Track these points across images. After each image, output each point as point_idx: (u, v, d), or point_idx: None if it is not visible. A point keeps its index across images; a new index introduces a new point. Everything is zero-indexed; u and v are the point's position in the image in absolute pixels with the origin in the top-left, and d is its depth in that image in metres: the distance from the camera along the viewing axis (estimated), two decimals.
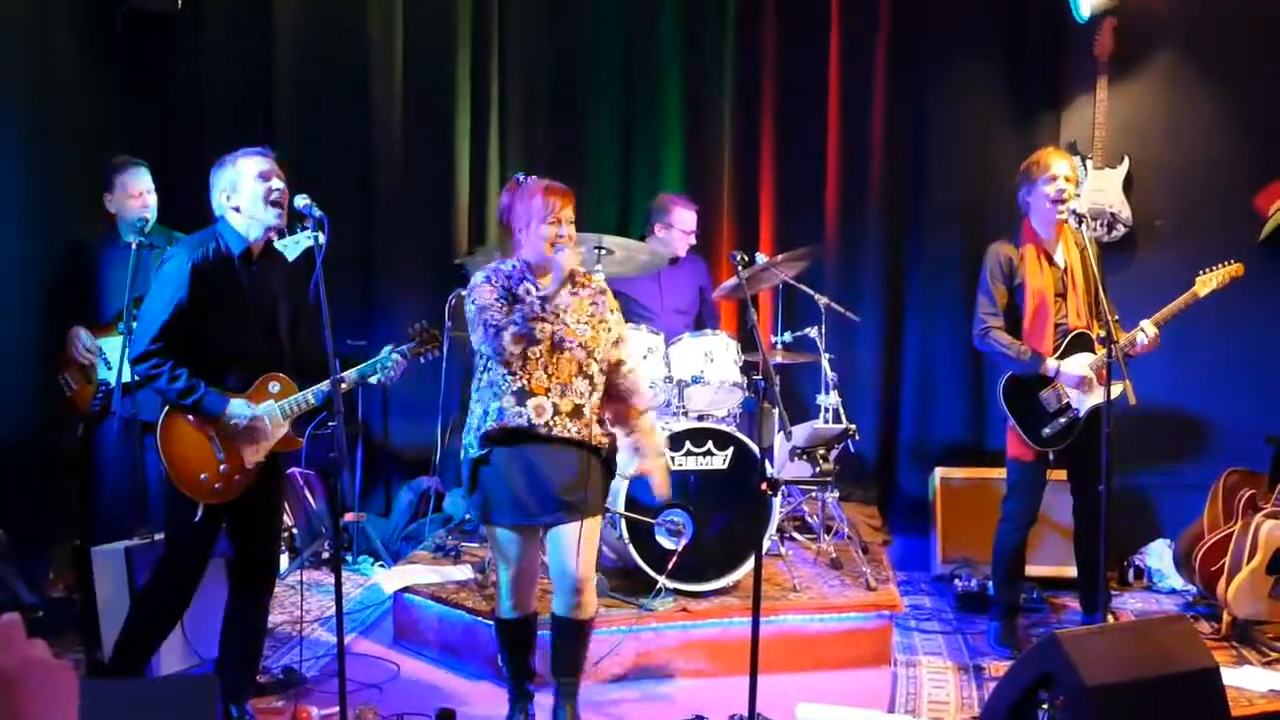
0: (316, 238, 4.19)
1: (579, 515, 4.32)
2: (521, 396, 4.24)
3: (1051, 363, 5.40)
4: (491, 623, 5.20)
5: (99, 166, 5.80)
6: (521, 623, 4.48)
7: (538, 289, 4.33)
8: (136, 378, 4.37)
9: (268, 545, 4.72)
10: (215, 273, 4.31)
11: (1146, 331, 5.32)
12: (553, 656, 4.53)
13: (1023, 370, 5.44)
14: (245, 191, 4.34)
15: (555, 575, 4.39)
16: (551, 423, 4.24)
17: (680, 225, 6.78)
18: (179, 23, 7.11)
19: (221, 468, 4.33)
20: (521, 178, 4.50)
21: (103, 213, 5.73)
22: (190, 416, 4.31)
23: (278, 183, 4.37)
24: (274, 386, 4.46)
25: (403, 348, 4.69)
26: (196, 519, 4.33)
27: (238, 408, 4.33)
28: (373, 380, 4.64)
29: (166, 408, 4.31)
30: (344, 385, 4.45)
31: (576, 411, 4.30)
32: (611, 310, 4.52)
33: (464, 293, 6.65)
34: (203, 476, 4.31)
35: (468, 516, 6.78)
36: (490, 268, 4.42)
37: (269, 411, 4.42)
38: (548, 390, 4.26)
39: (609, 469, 4.48)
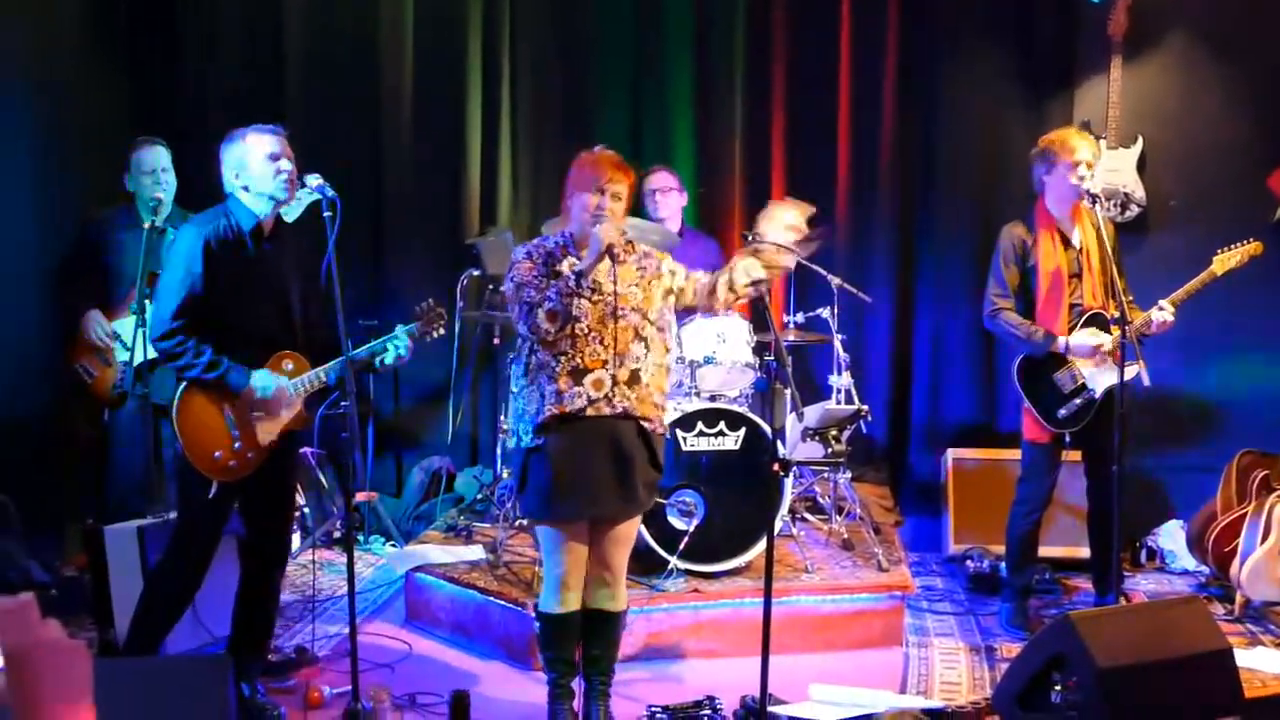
0: (329, 219, 4.18)
1: (632, 511, 4.32)
2: (578, 374, 4.13)
3: (1062, 339, 5.37)
4: (504, 603, 5.23)
5: (107, 152, 5.80)
6: (569, 617, 4.34)
7: (580, 263, 4.19)
8: (160, 355, 4.36)
9: (280, 524, 4.74)
10: (227, 250, 4.30)
11: (1164, 310, 5.29)
12: (585, 651, 4.47)
13: (1034, 350, 5.41)
14: (254, 170, 4.32)
15: (592, 566, 4.35)
16: (611, 393, 4.16)
17: (648, 186, 6.67)
18: (187, 4, 7.10)
19: (236, 445, 4.34)
20: (598, 150, 4.33)
21: (123, 194, 5.73)
22: (206, 393, 4.30)
23: (286, 164, 4.34)
24: (287, 365, 4.46)
25: (411, 326, 4.67)
26: (211, 495, 4.34)
27: (262, 378, 4.33)
28: (386, 359, 4.59)
29: (183, 384, 4.30)
30: (355, 364, 4.45)
31: (634, 378, 4.20)
32: (661, 260, 4.37)
33: (476, 273, 6.73)
34: (217, 454, 4.32)
35: (479, 498, 6.78)
36: (534, 242, 4.32)
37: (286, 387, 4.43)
38: (605, 363, 4.15)
39: (656, 460, 4.34)
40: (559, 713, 4.40)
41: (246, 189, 4.35)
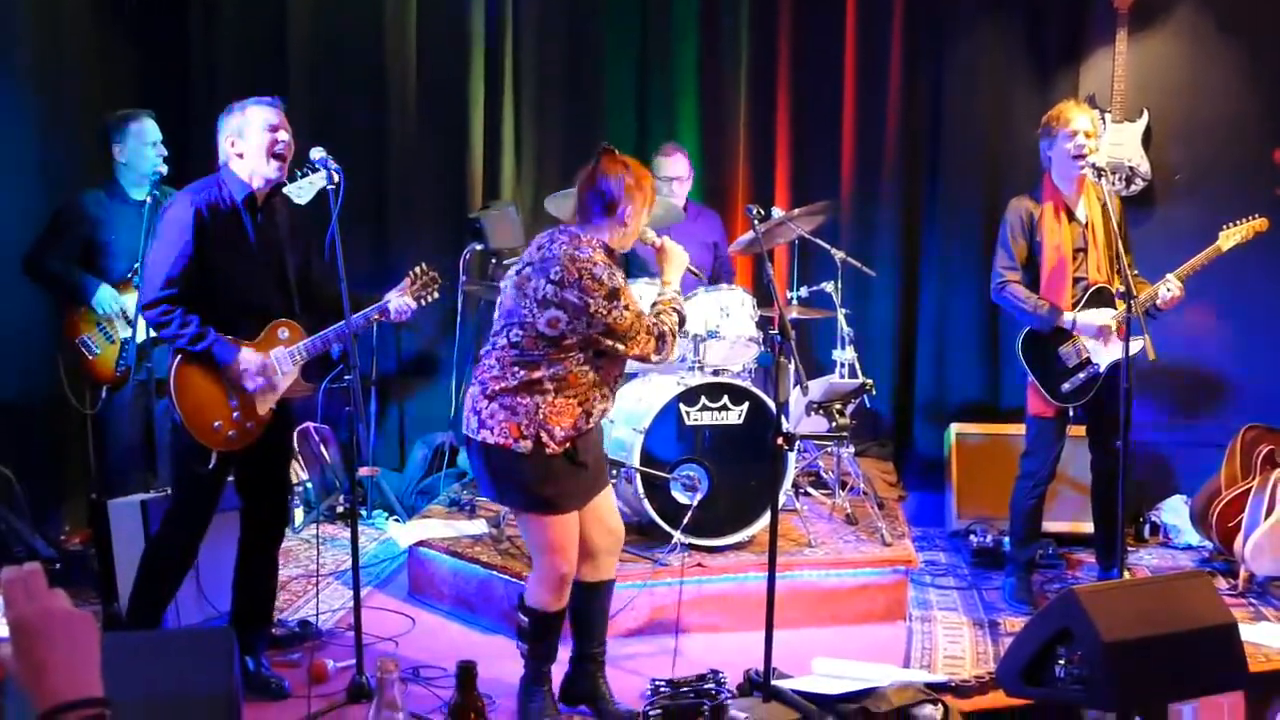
0: (333, 191, 4.18)
1: (613, 476, 4.44)
2: (614, 391, 4.24)
3: (1069, 315, 5.35)
4: (507, 577, 5.22)
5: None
6: (564, 610, 4.27)
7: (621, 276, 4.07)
8: (148, 323, 4.35)
9: (278, 496, 4.74)
10: (219, 219, 4.30)
11: (1171, 286, 5.27)
12: (584, 628, 4.38)
13: (1040, 324, 5.40)
14: (251, 140, 4.31)
15: (599, 540, 4.29)
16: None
17: (658, 172, 6.57)
18: None
19: (235, 415, 4.33)
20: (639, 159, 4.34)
21: (106, 167, 5.68)
22: (203, 364, 4.29)
23: (284, 135, 4.34)
24: (283, 333, 4.45)
25: (401, 284, 4.69)
26: (210, 467, 4.33)
27: (248, 356, 4.32)
28: (378, 317, 4.69)
29: (179, 356, 4.29)
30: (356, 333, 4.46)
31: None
32: None
33: (480, 247, 6.68)
34: (216, 424, 4.31)
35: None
36: (601, 266, 3.97)
37: (279, 358, 4.41)
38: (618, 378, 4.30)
39: None
40: (536, 695, 4.28)
41: (241, 156, 4.33)
